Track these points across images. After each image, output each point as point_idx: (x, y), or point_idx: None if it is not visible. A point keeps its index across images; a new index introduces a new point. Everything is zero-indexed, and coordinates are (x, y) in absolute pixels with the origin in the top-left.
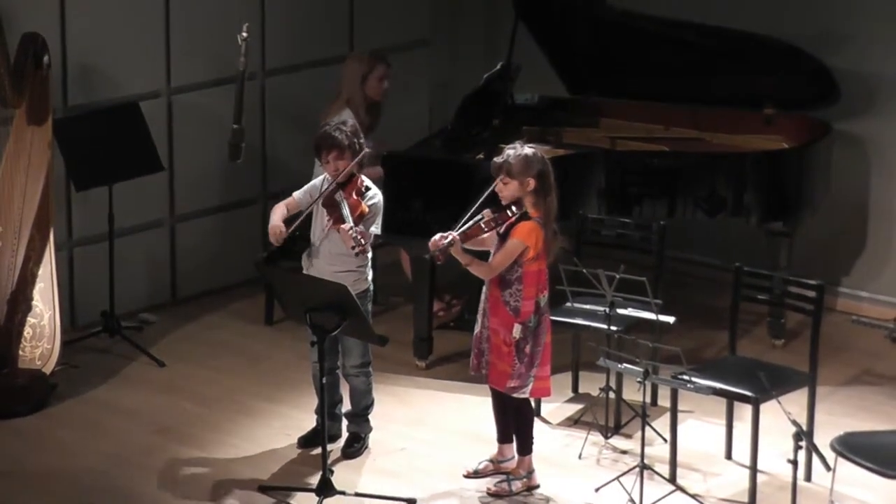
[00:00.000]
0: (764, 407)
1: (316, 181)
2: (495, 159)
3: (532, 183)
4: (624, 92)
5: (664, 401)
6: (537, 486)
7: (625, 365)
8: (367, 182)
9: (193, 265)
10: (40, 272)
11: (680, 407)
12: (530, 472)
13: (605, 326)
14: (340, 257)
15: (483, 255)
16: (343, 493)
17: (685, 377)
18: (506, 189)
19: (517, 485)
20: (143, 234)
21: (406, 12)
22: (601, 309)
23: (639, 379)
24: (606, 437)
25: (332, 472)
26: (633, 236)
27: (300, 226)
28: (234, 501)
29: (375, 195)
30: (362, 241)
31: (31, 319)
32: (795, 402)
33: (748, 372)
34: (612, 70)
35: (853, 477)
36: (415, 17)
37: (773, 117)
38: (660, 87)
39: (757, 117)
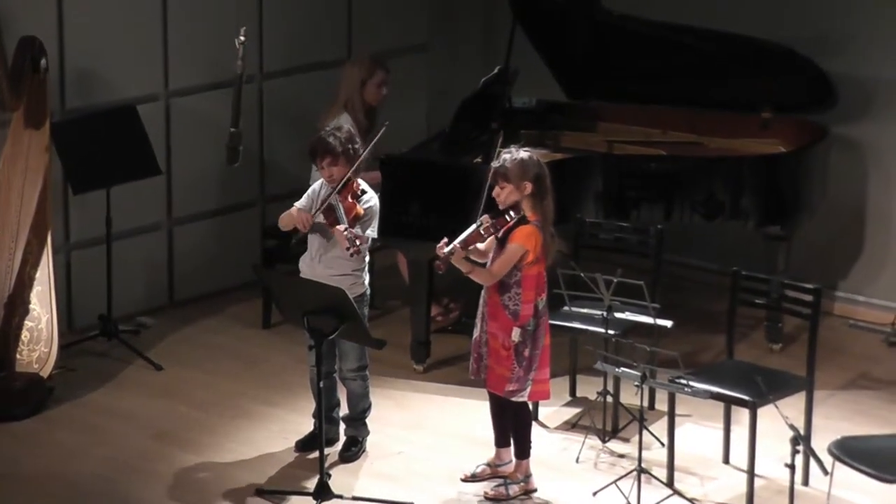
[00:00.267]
0: (761, 411)
1: (314, 186)
2: (491, 165)
3: (529, 187)
4: (621, 96)
5: (662, 405)
6: (535, 490)
7: (622, 369)
8: (364, 185)
9: (191, 268)
10: (38, 275)
11: (677, 411)
12: (528, 476)
13: (602, 330)
14: (337, 261)
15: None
16: (340, 496)
17: (682, 381)
18: (503, 194)
19: (515, 489)
20: (141, 237)
21: (404, 16)
22: (599, 313)
23: (636, 383)
24: (604, 441)
25: (329, 475)
26: (631, 240)
27: (296, 231)
28: None
29: (371, 198)
30: (357, 242)
31: (28, 323)
32: (793, 406)
33: (745, 376)
34: (610, 74)
35: (850, 481)
36: (413, 21)
37: (771, 121)
38: (657, 90)
39: (754, 121)
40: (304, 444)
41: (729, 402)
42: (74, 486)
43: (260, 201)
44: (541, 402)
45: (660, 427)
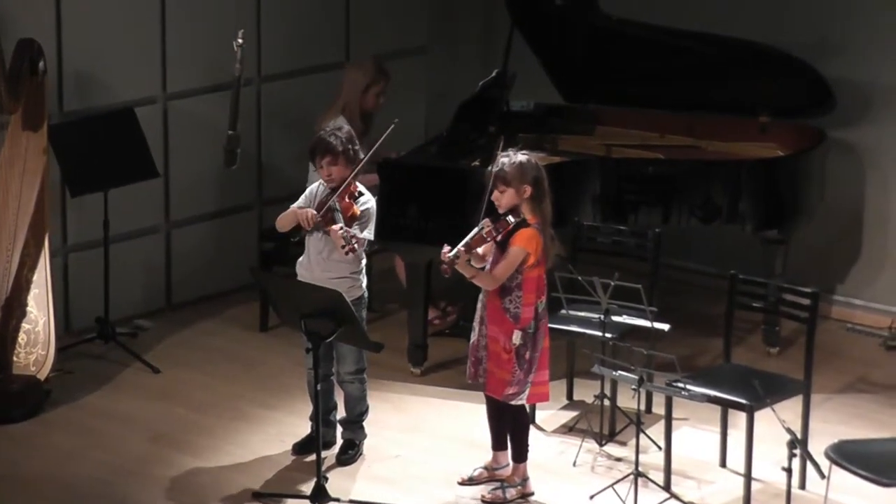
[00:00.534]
0: (758, 415)
1: (312, 187)
2: (489, 168)
3: (528, 190)
4: (620, 99)
5: (659, 408)
6: (532, 494)
7: (619, 372)
8: (361, 187)
9: (188, 271)
10: (35, 278)
11: (674, 414)
12: (525, 480)
13: (600, 334)
14: (335, 264)
15: None
16: (337, 500)
17: (680, 385)
18: (503, 198)
19: (512, 492)
20: (139, 240)
21: (403, 19)
22: (596, 316)
23: (633, 386)
24: (601, 445)
25: (326, 478)
26: (629, 243)
27: (295, 232)
28: None
29: (368, 200)
30: (353, 241)
31: (25, 325)
32: (790, 409)
33: (743, 379)
34: (608, 77)
35: (847, 485)
36: (412, 24)
37: (769, 125)
38: (655, 94)
39: (752, 125)
40: (302, 447)
41: (726, 406)
42: (71, 488)
43: (257, 204)
44: (538, 405)
45: (657, 430)
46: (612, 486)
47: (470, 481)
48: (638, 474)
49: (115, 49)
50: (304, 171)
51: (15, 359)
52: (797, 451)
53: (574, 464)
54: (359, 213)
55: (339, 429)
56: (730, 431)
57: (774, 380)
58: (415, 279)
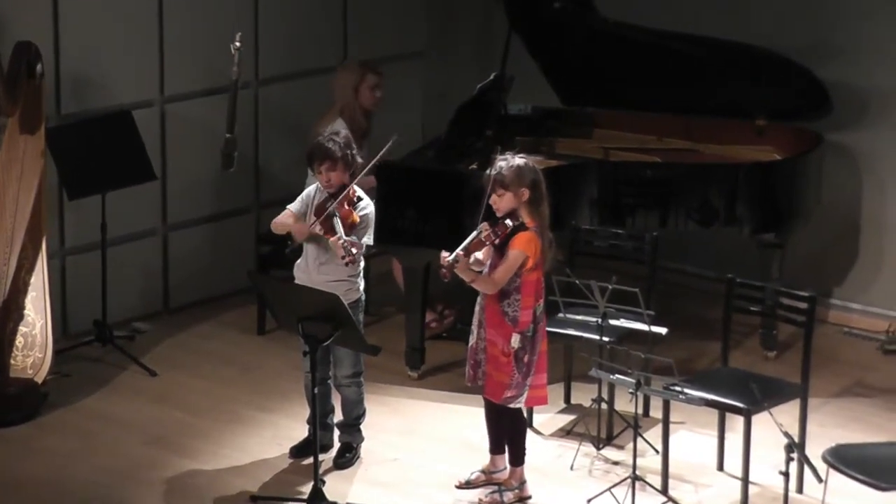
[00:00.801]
0: (756, 418)
1: (309, 190)
2: (487, 172)
3: (526, 193)
4: (617, 103)
5: (656, 412)
6: (529, 497)
7: (617, 376)
8: (360, 192)
9: (186, 274)
10: (32, 281)
11: (672, 418)
12: (522, 483)
13: (597, 337)
14: (333, 267)
15: None
16: (335, 503)
17: (677, 388)
18: (501, 201)
19: (509, 495)
20: (136, 242)
21: (401, 22)
22: (594, 320)
23: (631, 390)
24: (598, 448)
25: (323, 482)
26: (626, 247)
27: (291, 239)
28: None
29: (367, 206)
30: (353, 250)
31: (22, 328)
32: (787, 413)
33: (740, 383)
34: (606, 81)
35: (845, 489)
36: (410, 28)
37: (765, 128)
38: (653, 97)
39: (749, 128)
40: (299, 451)
41: (723, 410)
42: (68, 492)
43: (255, 207)
44: (536, 408)
45: (654, 434)
46: (609, 489)
47: (467, 485)
48: (635, 478)
49: (112, 52)
50: (301, 175)
51: (12, 362)
52: (795, 455)
53: (571, 467)
54: (358, 219)
55: (337, 432)
56: (727, 435)
57: (772, 383)
58: (412, 283)
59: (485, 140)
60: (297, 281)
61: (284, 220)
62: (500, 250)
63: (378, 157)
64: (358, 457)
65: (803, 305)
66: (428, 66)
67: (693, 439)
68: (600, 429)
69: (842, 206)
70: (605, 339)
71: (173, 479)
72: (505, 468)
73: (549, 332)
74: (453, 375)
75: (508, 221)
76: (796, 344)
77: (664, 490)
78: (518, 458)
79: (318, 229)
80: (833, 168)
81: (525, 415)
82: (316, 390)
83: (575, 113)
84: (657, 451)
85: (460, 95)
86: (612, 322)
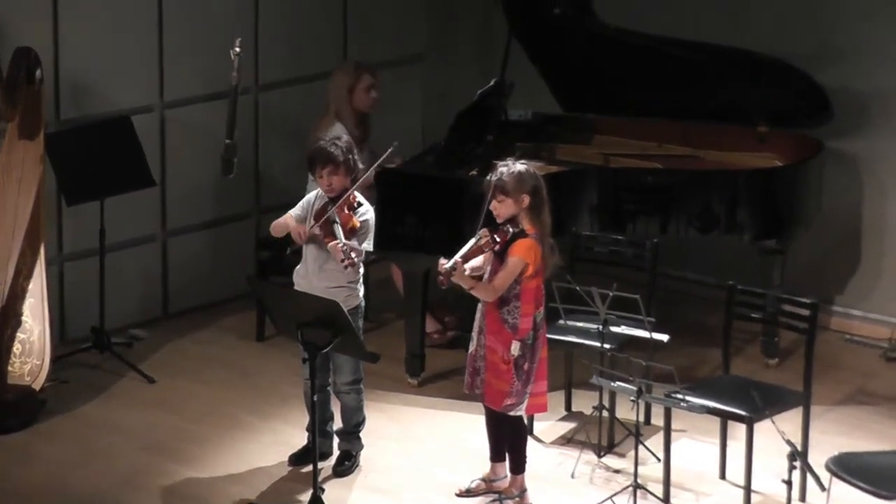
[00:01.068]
0: (758, 426)
1: (309, 196)
2: (488, 178)
3: (527, 199)
4: (618, 108)
5: (658, 419)
6: None
7: (618, 383)
8: (360, 198)
9: (185, 280)
10: (30, 287)
11: (673, 426)
12: (523, 491)
13: (598, 344)
14: (332, 273)
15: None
16: None
17: (679, 396)
18: (501, 207)
19: None
20: (135, 248)
21: (401, 27)
22: (594, 326)
23: (632, 397)
24: (599, 456)
25: (322, 490)
26: (627, 253)
27: (291, 241)
28: None
29: (368, 211)
30: (353, 255)
31: (20, 335)
32: (790, 421)
33: (742, 391)
34: (606, 87)
35: (848, 497)
36: (410, 32)
37: (766, 135)
38: (653, 103)
39: (750, 134)
40: (298, 458)
41: (725, 417)
42: (67, 499)
43: (255, 213)
44: (536, 416)
45: (656, 442)
46: (610, 497)
47: (468, 493)
48: (637, 486)
49: (111, 57)
50: (302, 180)
51: (10, 368)
52: (797, 463)
53: (572, 475)
54: (358, 224)
55: (336, 440)
56: (729, 443)
57: (774, 391)
58: (412, 289)
59: (485, 146)
60: (296, 287)
61: (284, 221)
62: (500, 257)
63: (377, 163)
64: (357, 464)
65: (805, 312)
66: (428, 69)
67: (695, 447)
68: (601, 436)
69: (842, 212)
70: (606, 346)
71: (171, 487)
72: (505, 476)
73: (549, 339)
74: (453, 382)
75: (509, 228)
76: (798, 351)
77: (666, 498)
78: (519, 466)
79: (317, 233)
80: (833, 174)
81: (525, 422)
82: (315, 397)
83: (575, 119)
84: (658, 459)
85: (460, 97)
86: (613, 329)
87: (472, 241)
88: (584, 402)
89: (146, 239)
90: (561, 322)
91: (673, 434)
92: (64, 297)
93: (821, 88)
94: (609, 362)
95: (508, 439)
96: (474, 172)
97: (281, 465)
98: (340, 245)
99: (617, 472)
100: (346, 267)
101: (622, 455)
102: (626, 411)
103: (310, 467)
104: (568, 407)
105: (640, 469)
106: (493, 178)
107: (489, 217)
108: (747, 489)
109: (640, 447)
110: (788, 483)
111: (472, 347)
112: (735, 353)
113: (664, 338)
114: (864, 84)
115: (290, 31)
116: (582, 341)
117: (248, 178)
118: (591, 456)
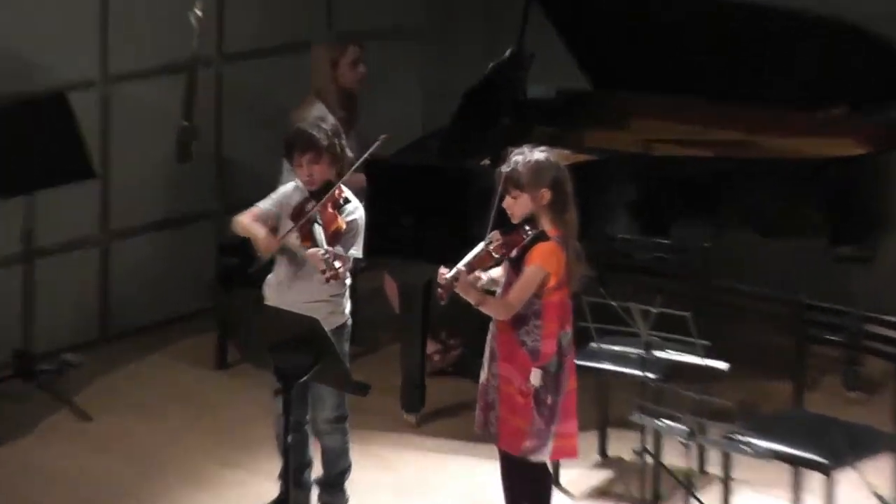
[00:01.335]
0: (839, 476)
1: (286, 188)
2: (499, 169)
3: (547, 195)
4: (660, 86)
5: (714, 467)
6: None
7: (665, 421)
8: (347, 193)
9: (130, 293)
10: None
11: (734, 475)
12: None
13: (639, 373)
14: (312, 285)
15: None
16: None
17: (740, 437)
18: (516, 205)
19: None
20: (69, 255)
21: None
22: (634, 351)
23: (683, 439)
24: None
25: None
26: (672, 261)
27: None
28: None
29: (356, 210)
30: (337, 264)
31: None
32: (878, 469)
33: (818, 431)
34: (646, 60)
35: None
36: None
37: (843, 117)
38: (703, 80)
39: (821, 117)
40: None
41: (798, 465)
42: None
43: (217, 211)
44: (563, 462)
45: (712, 496)
46: None
47: None
48: None
49: (44, 23)
50: (274, 171)
51: None
52: None
53: None
54: (344, 226)
55: (315, 490)
56: (803, 497)
57: (858, 432)
58: (410, 304)
59: (500, 130)
60: (267, 301)
61: (250, 225)
62: (516, 265)
63: (364, 155)
64: None
65: (894, 334)
66: (427, 43)
67: (760, 502)
68: (644, 489)
69: None
70: (649, 375)
71: None
72: None
73: (578, 367)
74: (461, 420)
75: (525, 230)
76: (887, 383)
77: None
78: None
79: (294, 238)
80: None
81: (550, 470)
82: (290, 438)
83: (607, 97)
84: None
85: (465, 78)
86: (658, 354)
87: (480, 246)
88: (623, 446)
89: (83, 242)
90: (593, 345)
91: (733, 485)
92: None
93: None
94: (653, 395)
95: (528, 491)
96: (486, 162)
97: None
98: (321, 253)
99: None
100: (327, 280)
101: None
102: (675, 457)
103: None
104: (602, 451)
105: None
106: (505, 169)
107: (502, 216)
108: None
109: (693, 501)
110: None
111: (483, 376)
112: (809, 385)
113: (724, 365)
114: None
115: None
116: (619, 369)
117: (209, 169)
118: None
